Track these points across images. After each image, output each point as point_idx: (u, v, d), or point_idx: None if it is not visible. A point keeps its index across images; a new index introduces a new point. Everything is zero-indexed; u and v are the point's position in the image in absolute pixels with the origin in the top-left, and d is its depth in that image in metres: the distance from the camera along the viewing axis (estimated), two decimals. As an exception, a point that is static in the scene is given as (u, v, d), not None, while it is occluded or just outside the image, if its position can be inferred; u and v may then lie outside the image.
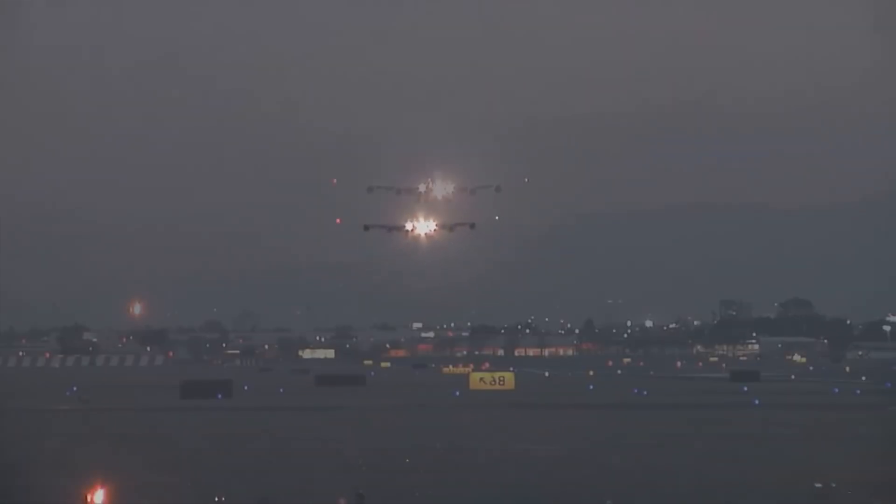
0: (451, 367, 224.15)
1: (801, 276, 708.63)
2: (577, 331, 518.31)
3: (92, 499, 32.88)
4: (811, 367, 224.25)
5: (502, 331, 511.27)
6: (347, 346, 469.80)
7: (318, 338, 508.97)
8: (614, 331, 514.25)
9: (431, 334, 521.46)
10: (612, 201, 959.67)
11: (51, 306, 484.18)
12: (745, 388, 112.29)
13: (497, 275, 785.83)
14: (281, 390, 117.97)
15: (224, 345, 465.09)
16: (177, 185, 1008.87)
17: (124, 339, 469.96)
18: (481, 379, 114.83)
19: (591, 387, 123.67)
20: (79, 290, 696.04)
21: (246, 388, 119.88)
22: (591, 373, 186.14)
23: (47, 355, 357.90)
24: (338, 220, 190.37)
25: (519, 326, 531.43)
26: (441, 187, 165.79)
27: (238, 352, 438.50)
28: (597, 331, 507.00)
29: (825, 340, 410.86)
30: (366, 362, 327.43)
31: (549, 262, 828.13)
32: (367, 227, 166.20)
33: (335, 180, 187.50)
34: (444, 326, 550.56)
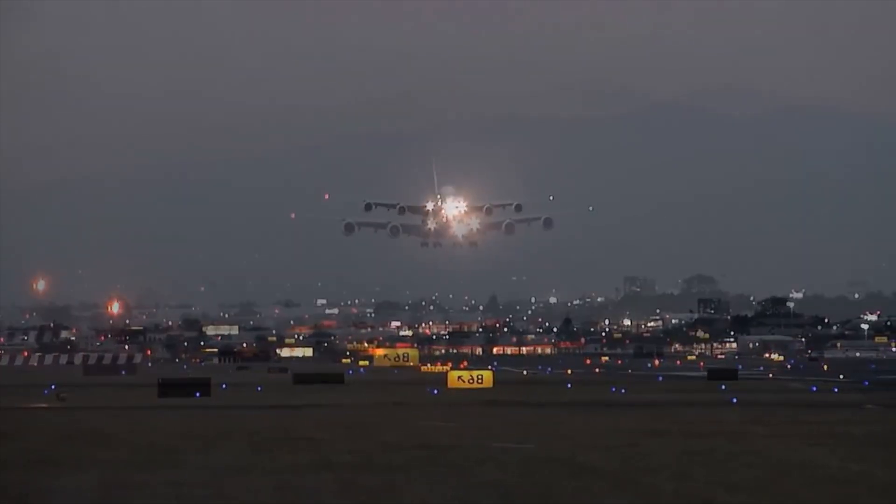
0: (429, 365, 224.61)
1: (779, 273, 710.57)
2: (554, 329, 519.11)
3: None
4: (788, 366, 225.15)
5: (480, 329, 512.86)
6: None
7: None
8: (592, 329, 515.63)
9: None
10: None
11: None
12: (724, 387, 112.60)
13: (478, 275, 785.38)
14: (259, 388, 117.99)
15: (202, 343, 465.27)
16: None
17: (102, 338, 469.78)
18: (459, 377, 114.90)
19: (570, 385, 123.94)
20: (58, 289, 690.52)
21: (224, 385, 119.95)
22: (570, 371, 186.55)
23: (25, 354, 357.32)
24: (325, 196, 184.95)
25: (497, 325, 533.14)
26: (452, 206, 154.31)
27: (216, 350, 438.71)
28: (575, 329, 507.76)
29: (802, 339, 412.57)
30: (344, 360, 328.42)
31: (528, 262, 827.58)
32: (348, 228, 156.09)
33: (327, 195, 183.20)
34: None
